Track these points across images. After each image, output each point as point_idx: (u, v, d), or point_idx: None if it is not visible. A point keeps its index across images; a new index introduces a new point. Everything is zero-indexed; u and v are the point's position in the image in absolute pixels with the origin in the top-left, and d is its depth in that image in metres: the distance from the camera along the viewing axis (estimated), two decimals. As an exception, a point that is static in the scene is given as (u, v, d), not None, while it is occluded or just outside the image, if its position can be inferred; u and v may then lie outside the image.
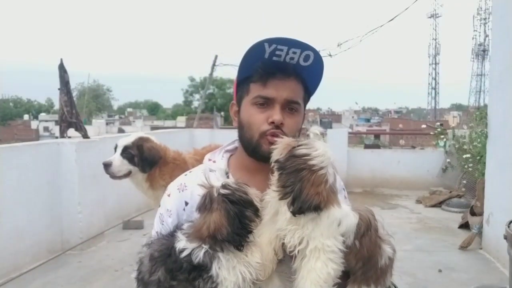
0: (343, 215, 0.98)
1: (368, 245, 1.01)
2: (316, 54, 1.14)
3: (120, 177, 3.33)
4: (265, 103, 1.13)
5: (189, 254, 0.97)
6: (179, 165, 3.30)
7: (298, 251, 0.97)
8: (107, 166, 3.28)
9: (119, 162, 3.27)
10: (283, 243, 1.01)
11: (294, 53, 1.11)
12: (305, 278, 0.96)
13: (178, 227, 1.10)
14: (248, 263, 0.99)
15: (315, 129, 1.03)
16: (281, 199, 0.98)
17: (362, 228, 1.00)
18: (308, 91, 1.21)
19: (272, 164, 1.02)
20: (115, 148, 3.36)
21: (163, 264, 1.01)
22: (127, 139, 3.39)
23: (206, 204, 1.01)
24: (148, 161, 3.29)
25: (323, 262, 0.95)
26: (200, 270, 0.97)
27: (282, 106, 1.12)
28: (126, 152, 3.29)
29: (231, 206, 0.99)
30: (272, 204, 1.02)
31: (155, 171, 3.30)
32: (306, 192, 0.94)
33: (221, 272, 0.97)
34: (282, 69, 1.12)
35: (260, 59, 1.12)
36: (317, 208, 0.94)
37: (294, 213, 0.95)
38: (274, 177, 1.01)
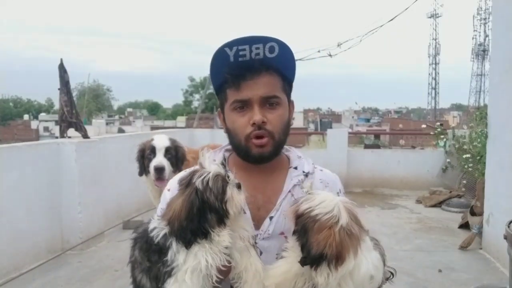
0: (373, 267, 0.94)
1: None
2: (280, 43, 1.14)
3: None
4: (244, 105, 1.13)
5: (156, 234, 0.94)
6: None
7: None
8: (161, 170, 3.20)
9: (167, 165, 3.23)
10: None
11: (258, 48, 1.12)
12: None
13: None
14: (215, 248, 0.93)
15: (307, 185, 1.02)
16: (300, 263, 0.94)
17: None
18: (288, 79, 1.21)
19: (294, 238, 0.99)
20: (153, 151, 3.27)
21: (139, 245, 1.00)
22: (163, 140, 3.34)
23: (186, 183, 0.96)
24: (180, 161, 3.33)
25: None
26: (162, 252, 0.93)
27: (261, 104, 1.12)
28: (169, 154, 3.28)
29: (198, 203, 0.93)
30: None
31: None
32: (310, 241, 0.91)
33: (178, 256, 0.91)
34: (249, 68, 1.12)
35: (226, 64, 1.12)
36: (321, 257, 0.89)
37: (301, 264, 0.92)
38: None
